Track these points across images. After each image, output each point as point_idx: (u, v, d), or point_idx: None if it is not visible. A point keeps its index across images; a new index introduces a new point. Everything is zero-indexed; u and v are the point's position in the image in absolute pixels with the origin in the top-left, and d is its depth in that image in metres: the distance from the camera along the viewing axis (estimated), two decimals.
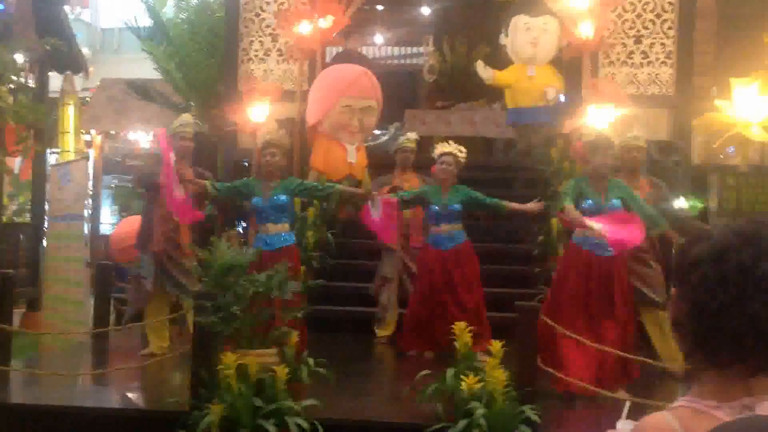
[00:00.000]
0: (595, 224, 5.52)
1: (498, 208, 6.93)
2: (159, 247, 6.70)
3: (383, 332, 7.80)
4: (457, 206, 6.90)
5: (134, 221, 8.92)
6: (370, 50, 15.70)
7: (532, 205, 6.83)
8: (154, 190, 6.70)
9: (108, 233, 12.33)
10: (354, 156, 9.06)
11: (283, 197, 6.29)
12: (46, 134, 11.15)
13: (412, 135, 8.09)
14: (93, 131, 14.88)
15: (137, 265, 6.93)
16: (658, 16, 9.32)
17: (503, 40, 10.29)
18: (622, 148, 6.33)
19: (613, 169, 5.94)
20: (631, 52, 9.35)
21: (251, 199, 6.36)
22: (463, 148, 7.14)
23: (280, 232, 6.27)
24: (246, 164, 9.64)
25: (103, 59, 21.76)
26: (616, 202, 5.75)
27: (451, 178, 6.96)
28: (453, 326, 6.17)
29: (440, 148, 7.12)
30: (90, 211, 13.18)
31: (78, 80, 13.38)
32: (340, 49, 11.45)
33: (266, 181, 6.36)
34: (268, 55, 10.04)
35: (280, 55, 9.99)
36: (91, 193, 13.61)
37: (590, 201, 5.79)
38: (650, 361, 5.79)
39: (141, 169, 10.23)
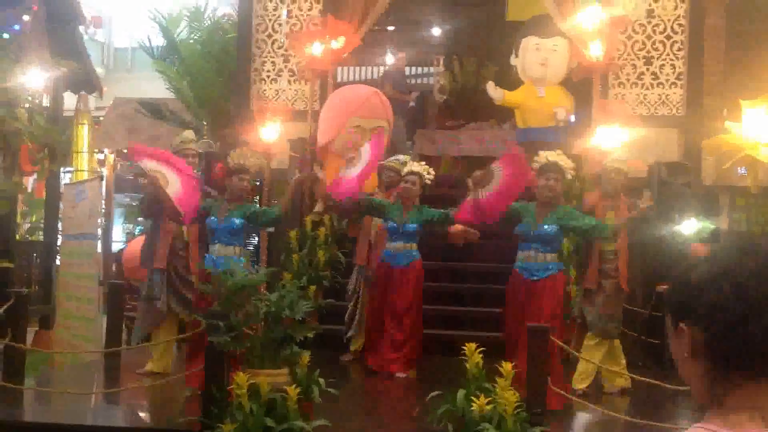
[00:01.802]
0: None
1: (447, 219, 6.78)
2: (163, 263, 6.69)
3: (353, 347, 7.64)
4: (413, 226, 6.96)
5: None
6: (381, 71, 15.77)
7: (461, 232, 6.75)
8: (156, 212, 6.71)
9: (120, 251, 12.39)
10: None
11: (237, 221, 6.34)
12: (59, 153, 11.24)
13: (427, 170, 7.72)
14: (106, 150, 14.98)
15: (147, 286, 6.86)
16: (668, 37, 9.36)
17: (513, 60, 10.35)
18: (604, 170, 6.37)
19: (559, 195, 5.95)
20: (641, 73, 9.39)
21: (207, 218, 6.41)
22: (431, 170, 7.22)
23: (230, 255, 6.31)
24: (258, 183, 9.69)
25: (116, 78, 21.94)
26: (548, 228, 5.77)
27: (413, 197, 7.05)
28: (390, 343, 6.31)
29: (408, 167, 7.23)
30: (102, 230, 13.27)
31: (91, 99, 13.52)
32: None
33: (226, 202, 6.42)
34: (280, 75, 10.13)
35: (292, 75, 10.07)
36: (103, 211, 13.69)
37: (522, 226, 5.89)
38: (659, 382, 5.77)
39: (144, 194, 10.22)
